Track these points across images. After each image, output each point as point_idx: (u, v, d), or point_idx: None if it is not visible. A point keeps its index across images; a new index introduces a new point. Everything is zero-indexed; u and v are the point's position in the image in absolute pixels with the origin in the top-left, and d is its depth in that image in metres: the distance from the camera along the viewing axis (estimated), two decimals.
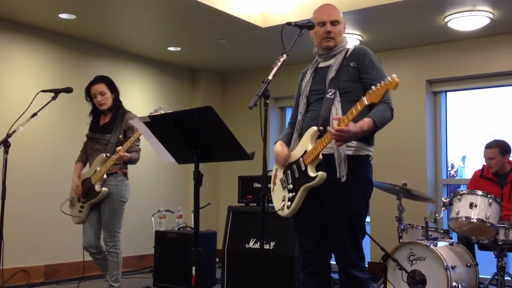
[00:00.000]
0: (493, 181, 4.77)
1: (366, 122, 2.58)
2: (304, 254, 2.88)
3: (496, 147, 4.73)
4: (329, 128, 2.54)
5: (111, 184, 4.09)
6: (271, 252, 4.43)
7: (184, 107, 6.73)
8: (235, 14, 5.27)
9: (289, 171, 2.81)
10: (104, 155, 4.05)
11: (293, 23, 2.80)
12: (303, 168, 2.72)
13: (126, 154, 3.97)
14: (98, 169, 4.06)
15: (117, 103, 4.24)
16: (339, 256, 2.77)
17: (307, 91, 2.89)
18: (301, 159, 2.74)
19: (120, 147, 3.95)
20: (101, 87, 4.17)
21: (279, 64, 2.68)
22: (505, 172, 4.76)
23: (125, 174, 4.20)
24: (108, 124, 4.18)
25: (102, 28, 5.72)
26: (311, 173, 2.68)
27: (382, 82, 2.47)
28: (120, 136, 4.12)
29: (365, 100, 2.49)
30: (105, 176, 4.06)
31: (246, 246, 4.66)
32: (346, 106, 2.68)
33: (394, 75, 2.45)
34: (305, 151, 2.72)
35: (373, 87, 2.49)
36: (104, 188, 4.05)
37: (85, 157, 4.32)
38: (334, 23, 2.85)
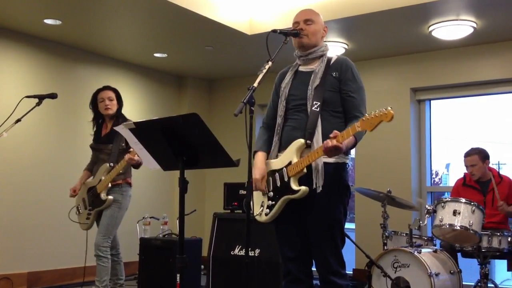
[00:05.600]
0: (476, 189, 4.81)
1: (351, 142, 2.65)
2: (285, 261, 2.90)
3: (476, 154, 4.77)
4: (328, 141, 2.54)
5: (117, 194, 4.24)
6: (257, 259, 4.43)
7: (170, 113, 6.72)
8: (221, 21, 5.29)
9: (271, 178, 2.82)
10: (108, 164, 4.20)
11: (278, 31, 2.83)
12: (286, 179, 2.73)
13: (134, 158, 4.06)
14: (103, 178, 4.20)
15: (119, 113, 4.39)
16: (319, 263, 2.78)
17: (286, 93, 2.90)
18: (284, 169, 2.75)
19: (131, 151, 4.05)
20: (111, 94, 4.35)
21: (264, 71, 2.70)
22: (487, 180, 4.80)
23: (130, 184, 4.36)
24: (109, 134, 4.30)
25: (88, 34, 5.70)
26: (294, 186, 2.70)
27: (378, 111, 2.47)
28: (123, 144, 4.20)
29: (357, 127, 2.52)
30: (109, 185, 4.20)
31: (232, 253, 4.66)
32: (328, 117, 2.74)
33: (390, 108, 2.45)
34: (290, 162, 2.73)
35: (366, 115, 2.50)
36: (110, 197, 4.20)
37: (92, 166, 4.47)
38: (307, 22, 2.89)
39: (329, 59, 2.89)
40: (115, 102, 4.34)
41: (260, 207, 2.84)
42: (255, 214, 2.87)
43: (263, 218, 2.83)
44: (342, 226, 2.80)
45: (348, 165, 2.86)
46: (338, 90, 2.80)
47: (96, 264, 4.18)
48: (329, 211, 2.73)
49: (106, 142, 4.30)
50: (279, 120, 2.89)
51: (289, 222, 2.82)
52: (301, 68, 2.95)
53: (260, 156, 2.90)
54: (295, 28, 2.89)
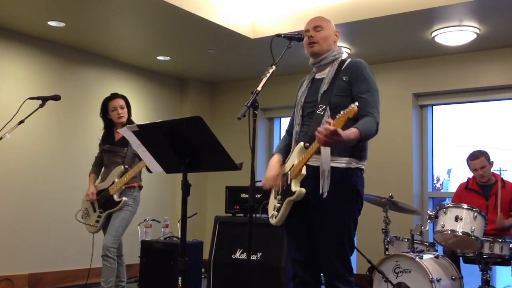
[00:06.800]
0: (478, 193, 4.81)
1: (353, 132, 2.50)
2: (293, 264, 2.89)
3: (482, 156, 4.79)
4: (319, 128, 2.44)
5: (129, 197, 4.30)
6: (258, 262, 4.43)
7: (172, 116, 6.72)
8: (224, 25, 5.29)
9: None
10: (123, 167, 4.26)
11: (282, 35, 2.83)
12: (289, 182, 2.75)
13: None
14: (116, 180, 4.25)
15: (130, 120, 4.46)
16: (325, 268, 2.77)
17: (302, 102, 2.90)
18: (289, 172, 2.77)
19: None
20: (122, 102, 4.42)
21: (268, 75, 2.69)
22: (490, 184, 4.80)
23: (141, 188, 4.44)
24: (124, 139, 4.29)
25: (91, 36, 5.71)
26: (293, 188, 2.71)
27: (345, 110, 2.41)
28: None
29: (332, 125, 2.41)
30: (123, 187, 4.25)
31: (233, 256, 4.65)
32: None
33: (354, 104, 2.40)
34: (292, 165, 2.75)
35: (341, 112, 2.43)
36: (124, 198, 4.26)
37: (98, 169, 4.51)
38: (317, 28, 2.87)
39: (341, 63, 2.83)
40: (125, 109, 4.40)
41: (273, 210, 2.87)
42: (268, 217, 2.92)
43: (273, 221, 2.86)
44: (351, 232, 2.76)
45: (363, 171, 2.78)
46: (349, 95, 2.73)
47: (102, 265, 4.21)
48: (337, 216, 2.70)
49: (121, 145, 4.34)
50: (297, 128, 2.87)
51: (298, 225, 2.82)
52: (316, 76, 2.93)
53: (275, 157, 2.94)
54: (299, 33, 2.89)
